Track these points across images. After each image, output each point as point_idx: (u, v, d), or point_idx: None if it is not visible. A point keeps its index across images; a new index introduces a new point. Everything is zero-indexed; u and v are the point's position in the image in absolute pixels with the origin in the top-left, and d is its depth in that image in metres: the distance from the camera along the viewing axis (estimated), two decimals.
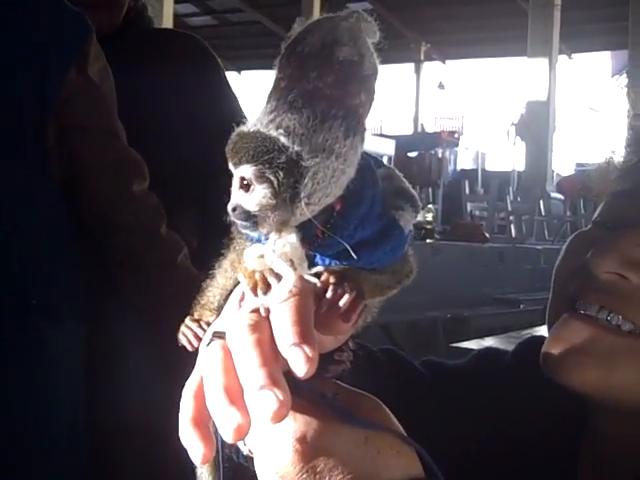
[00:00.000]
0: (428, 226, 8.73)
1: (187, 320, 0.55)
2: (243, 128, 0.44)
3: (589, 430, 0.73)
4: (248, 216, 0.45)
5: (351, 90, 0.43)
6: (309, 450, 0.44)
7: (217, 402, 0.43)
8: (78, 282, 1.39)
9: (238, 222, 0.45)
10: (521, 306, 7.03)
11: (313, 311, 0.45)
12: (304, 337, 0.43)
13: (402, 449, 0.46)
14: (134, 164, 1.44)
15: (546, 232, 10.52)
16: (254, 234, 0.47)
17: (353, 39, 0.43)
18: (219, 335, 0.47)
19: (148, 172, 1.48)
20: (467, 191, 12.41)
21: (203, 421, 0.45)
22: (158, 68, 1.73)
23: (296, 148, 0.42)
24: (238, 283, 0.51)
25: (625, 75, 19.21)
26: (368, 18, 0.44)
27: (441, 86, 22.58)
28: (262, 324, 0.45)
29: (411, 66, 21.76)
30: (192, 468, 0.52)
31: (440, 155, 17.11)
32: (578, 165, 17.21)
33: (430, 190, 12.89)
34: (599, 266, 0.66)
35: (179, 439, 0.44)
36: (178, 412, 0.45)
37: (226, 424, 0.42)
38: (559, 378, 0.67)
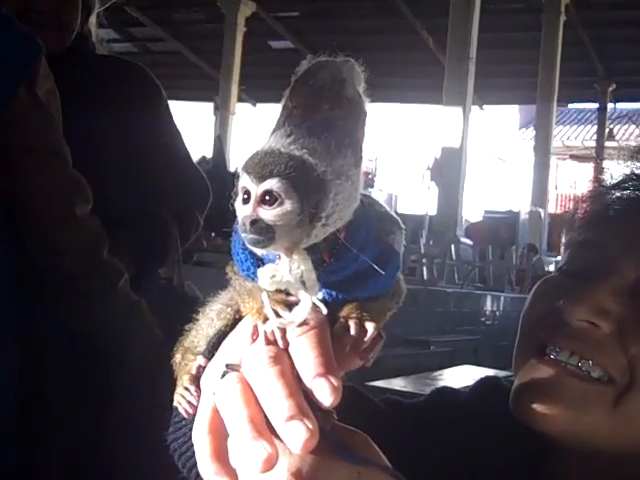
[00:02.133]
0: None
1: (179, 389, 0.55)
2: (262, 148, 0.45)
3: (546, 476, 0.74)
4: (266, 231, 0.44)
5: (356, 125, 0.46)
6: None
7: (244, 434, 0.43)
8: (14, 304, 1.35)
9: (251, 237, 0.45)
10: (431, 347, 7.16)
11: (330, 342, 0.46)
12: (328, 367, 0.44)
13: None
14: (78, 187, 1.41)
15: (456, 276, 10.79)
16: (262, 251, 0.46)
17: (353, 81, 0.47)
18: (233, 367, 0.47)
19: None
20: None
21: (223, 455, 0.45)
22: (102, 94, 1.74)
23: (321, 169, 0.44)
24: (227, 325, 0.52)
25: (532, 128, 20.16)
26: (359, 67, 0.48)
27: None
28: (282, 356, 0.46)
29: None
30: None
31: None
32: (486, 212, 17.82)
33: None
34: (572, 314, 0.67)
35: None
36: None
37: (256, 456, 0.42)
38: (530, 422, 0.68)
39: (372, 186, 19.64)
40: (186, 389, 0.54)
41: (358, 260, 0.47)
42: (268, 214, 0.44)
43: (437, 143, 13.78)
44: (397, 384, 3.81)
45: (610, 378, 0.66)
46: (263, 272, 0.46)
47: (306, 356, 0.45)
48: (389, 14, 16.57)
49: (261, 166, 0.44)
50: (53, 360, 1.46)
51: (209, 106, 19.33)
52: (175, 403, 0.54)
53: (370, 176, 21.66)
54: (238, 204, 0.45)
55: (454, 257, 11.11)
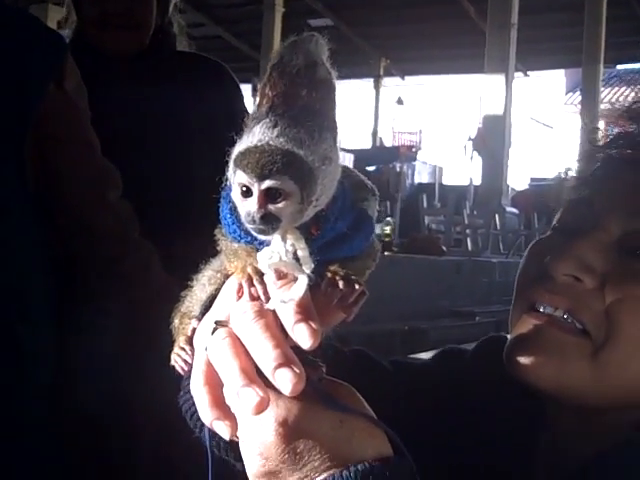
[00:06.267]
0: (386, 239, 8.78)
1: (176, 348, 0.60)
2: (251, 142, 0.48)
3: (544, 425, 0.77)
4: (274, 221, 0.48)
5: (330, 104, 0.50)
6: (290, 433, 0.49)
7: (236, 382, 0.49)
8: (52, 287, 1.42)
9: (260, 227, 0.48)
10: (477, 318, 7.12)
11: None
12: (307, 313, 0.49)
13: (374, 431, 0.52)
14: (109, 174, 1.49)
15: (501, 246, 10.68)
16: (266, 237, 0.50)
17: (322, 59, 0.50)
18: (221, 324, 0.52)
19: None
20: (425, 205, 12.54)
21: (221, 402, 0.51)
22: (181, 92, 1.79)
23: (310, 158, 0.47)
24: (217, 289, 0.57)
25: (579, 92, 19.70)
26: (323, 39, 0.50)
27: (400, 101, 22.80)
28: (265, 310, 0.51)
29: (370, 81, 21.94)
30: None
31: (398, 169, 17.26)
32: (532, 180, 17.51)
33: (388, 204, 12.98)
34: (557, 269, 0.70)
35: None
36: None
37: (248, 400, 0.47)
38: (518, 375, 0.71)
39: (415, 159, 19.49)
40: (182, 349, 0.59)
41: (335, 228, 0.52)
42: (276, 208, 0.48)
43: (480, 112, 13.57)
44: None
45: (589, 331, 0.68)
46: (262, 256, 0.51)
47: (287, 307, 0.49)
48: None
49: (259, 166, 0.47)
50: (90, 340, 1.51)
51: (248, 88, 19.35)
52: (172, 362, 0.60)
53: (414, 149, 21.49)
54: (237, 196, 0.49)
55: (498, 227, 10.98)
